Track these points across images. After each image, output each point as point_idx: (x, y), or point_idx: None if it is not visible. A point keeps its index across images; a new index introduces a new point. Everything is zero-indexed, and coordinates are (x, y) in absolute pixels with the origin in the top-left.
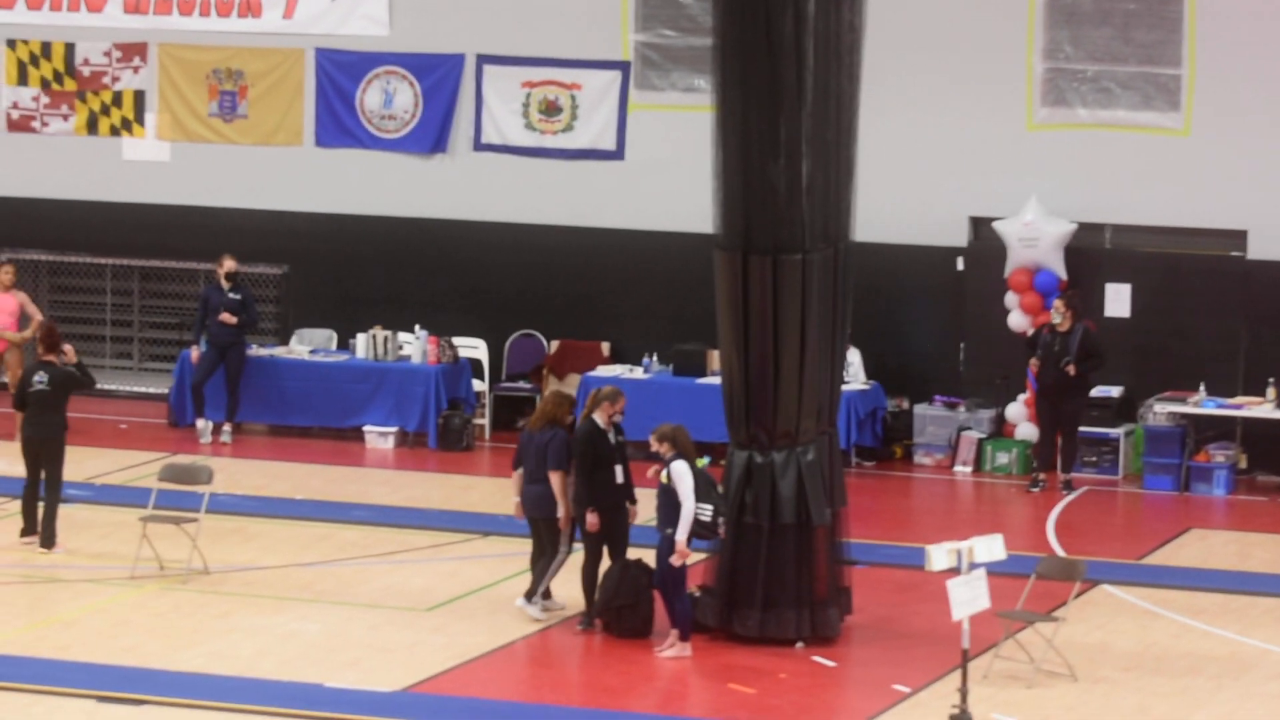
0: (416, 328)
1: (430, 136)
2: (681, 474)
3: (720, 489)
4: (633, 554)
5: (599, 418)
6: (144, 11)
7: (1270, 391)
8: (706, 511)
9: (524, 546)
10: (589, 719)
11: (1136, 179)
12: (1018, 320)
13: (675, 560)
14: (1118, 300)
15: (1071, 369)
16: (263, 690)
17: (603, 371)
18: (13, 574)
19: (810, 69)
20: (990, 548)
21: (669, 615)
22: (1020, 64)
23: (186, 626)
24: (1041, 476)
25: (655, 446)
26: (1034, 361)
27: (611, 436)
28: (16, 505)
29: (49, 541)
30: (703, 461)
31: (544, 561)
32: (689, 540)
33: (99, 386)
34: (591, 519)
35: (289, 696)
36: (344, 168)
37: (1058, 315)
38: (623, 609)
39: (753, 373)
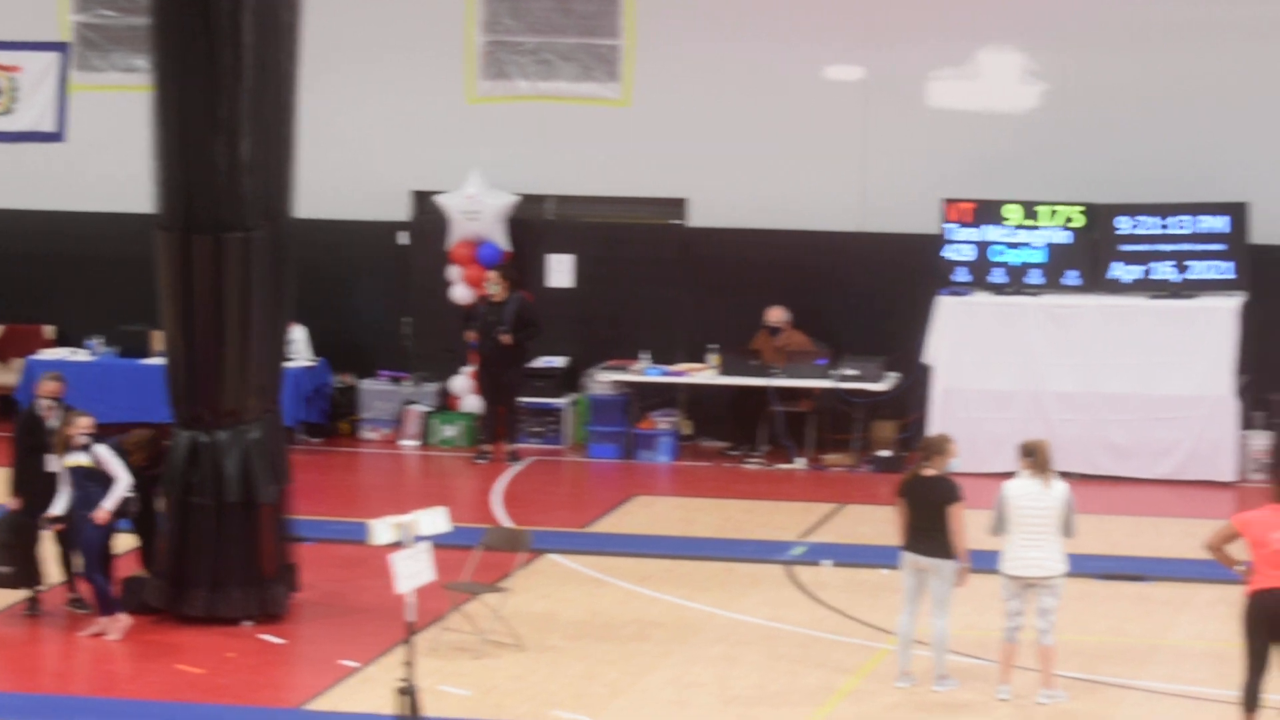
0: None
1: None
2: (108, 455)
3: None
4: None
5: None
6: None
7: (712, 358)
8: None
9: None
10: (33, 705)
11: (578, 150)
12: (462, 293)
13: (100, 517)
14: (561, 271)
15: (506, 338)
16: None
17: (47, 355)
18: None
19: (249, 47)
20: (434, 521)
21: (94, 595)
22: (460, 37)
23: None
24: (487, 448)
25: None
26: (470, 333)
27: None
28: None
29: None
30: None
31: None
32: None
33: None
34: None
35: None
36: None
37: (494, 286)
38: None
39: (196, 352)
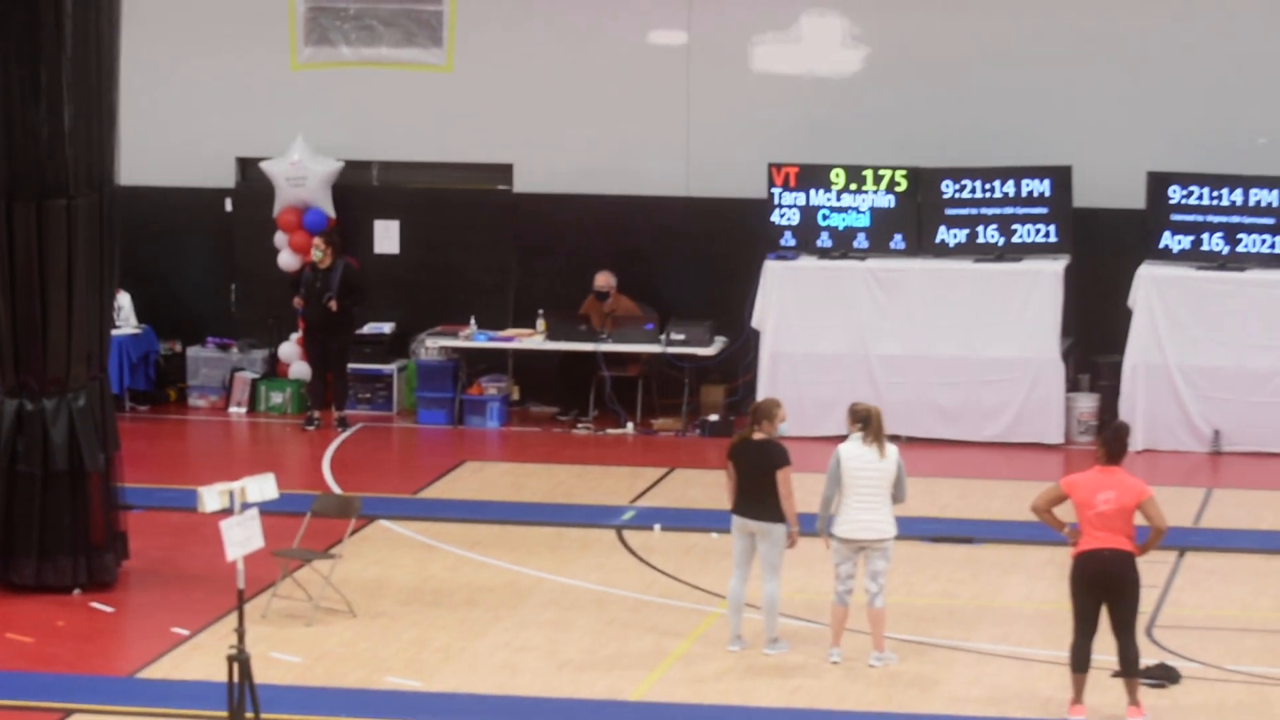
0: None
1: None
2: None
3: None
4: None
5: None
6: None
7: (540, 323)
8: None
9: None
10: None
11: (402, 116)
12: (288, 260)
13: None
14: (387, 237)
15: (333, 304)
16: None
17: None
18: None
19: (69, 15)
20: (262, 487)
21: None
22: (283, 3)
23: None
24: (316, 415)
25: None
26: (298, 299)
27: None
28: None
29: None
30: None
31: None
32: None
33: None
34: None
35: None
36: None
37: (318, 252)
38: None
39: (20, 320)
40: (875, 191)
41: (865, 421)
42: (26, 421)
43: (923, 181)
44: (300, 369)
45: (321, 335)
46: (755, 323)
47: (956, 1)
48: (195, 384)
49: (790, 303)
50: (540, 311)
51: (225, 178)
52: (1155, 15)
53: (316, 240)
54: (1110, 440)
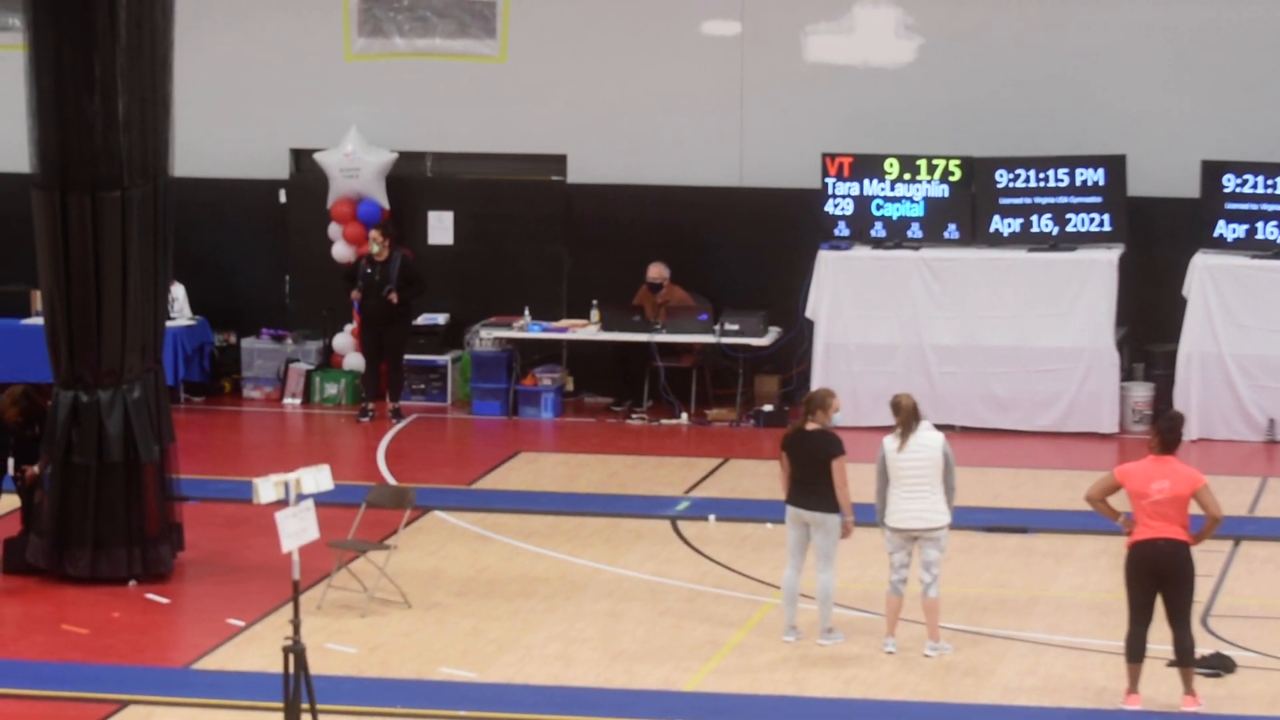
0: None
1: None
2: None
3: None
4: None
5: None
6: None
7: (593, 314)
8: None
9: None
10: None
11: (456, 107)
12: (342, 251)
13: None
14: (441, 228)
15: (394, 297)
16: None
17: None
18: None
19: (123, 5)
20: (318, 479)
21: None
22: None
23: None
24: (370, 406)
25: None
26: (355, 293)
27: None
28: None
29: None
30: None
31: None
32: None
33: None
34: None
35: None
36: None
37: (375, 245)
38: None
39: (75, 312)
40: (929, 181)
41: (895, 411)
42: (82, 413)
43: (977, 171)
44: (354, 360)
45: (379, 327)
46: (809, 313)
47: None
48: (250, 375)
49: (844, 293)
50: (594, 302)
51: (279, 169)
52: (1211, 4)
53: (373, 233)
54: (1165, 430)
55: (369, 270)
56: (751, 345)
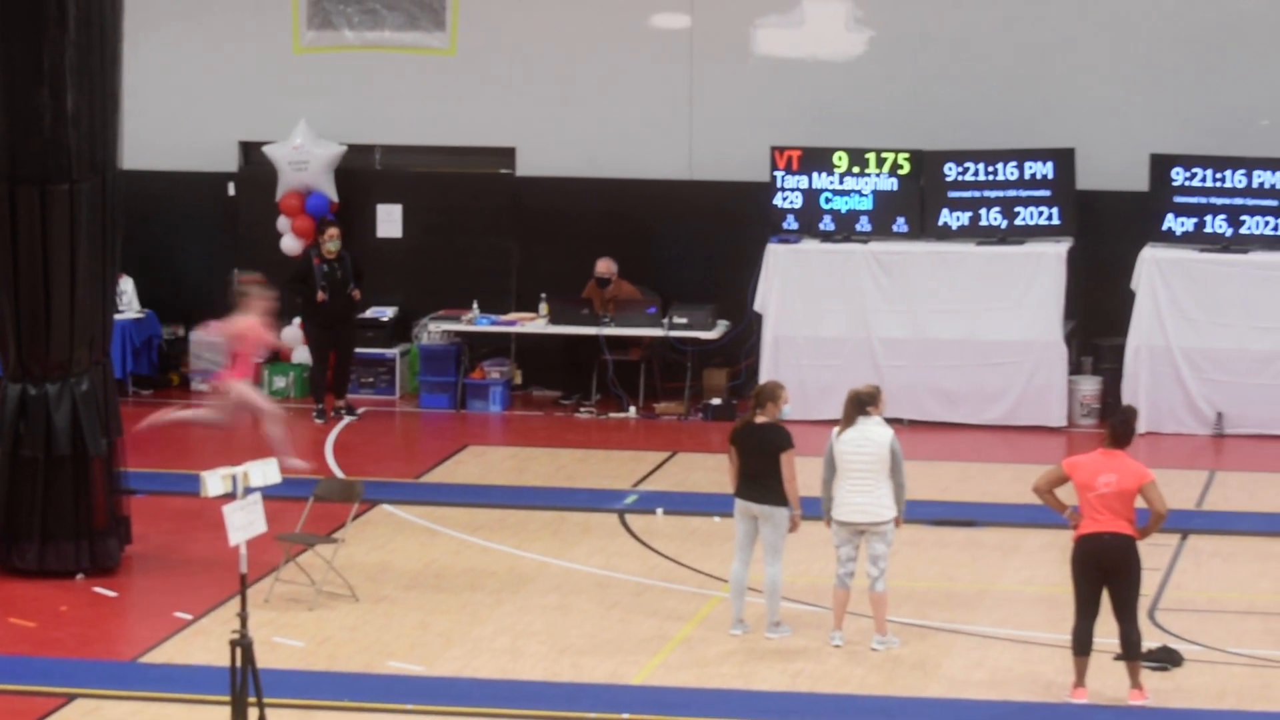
0: None
1: None
2: None
3: None
4: None
5: None
6: None
7: (543, 307)
8: None
9: None
10: None
11: (405, 99)
12: (290, 244)
13: None
14: (389, 221)
15: (358, 294)
16: None
17: None
18: None
19: None
20: (265, 472)
21: None
22: None
23: None
24: (325, 408)
25: None
26: (320, 294)
27: None
28: None
29: None
30: None
31: None
32: None
33: None
34: None
35: None
36: None
37: (334, 243)
38: None
39: (23, 305)
40: (878, 174)
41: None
42: (29, 406)
43: (925, 164)
44: (303, 354)
45: (336, 324)
46: (758, 306)
47: None
48: (198, 369)
49: (793, 286)
50: (543, 295)
51: (228, 162)
52: None
53: (332, 231)
54: (1118, 424)
55: (328, 269)
56: (700, 338)
